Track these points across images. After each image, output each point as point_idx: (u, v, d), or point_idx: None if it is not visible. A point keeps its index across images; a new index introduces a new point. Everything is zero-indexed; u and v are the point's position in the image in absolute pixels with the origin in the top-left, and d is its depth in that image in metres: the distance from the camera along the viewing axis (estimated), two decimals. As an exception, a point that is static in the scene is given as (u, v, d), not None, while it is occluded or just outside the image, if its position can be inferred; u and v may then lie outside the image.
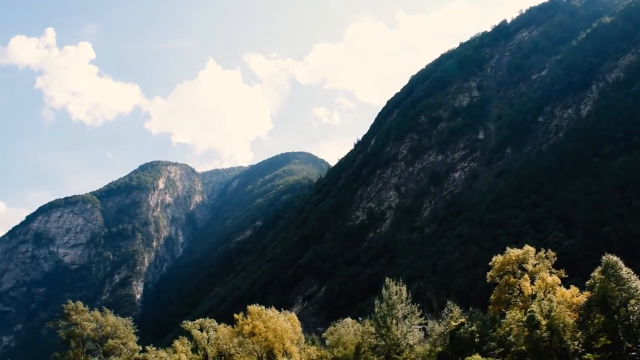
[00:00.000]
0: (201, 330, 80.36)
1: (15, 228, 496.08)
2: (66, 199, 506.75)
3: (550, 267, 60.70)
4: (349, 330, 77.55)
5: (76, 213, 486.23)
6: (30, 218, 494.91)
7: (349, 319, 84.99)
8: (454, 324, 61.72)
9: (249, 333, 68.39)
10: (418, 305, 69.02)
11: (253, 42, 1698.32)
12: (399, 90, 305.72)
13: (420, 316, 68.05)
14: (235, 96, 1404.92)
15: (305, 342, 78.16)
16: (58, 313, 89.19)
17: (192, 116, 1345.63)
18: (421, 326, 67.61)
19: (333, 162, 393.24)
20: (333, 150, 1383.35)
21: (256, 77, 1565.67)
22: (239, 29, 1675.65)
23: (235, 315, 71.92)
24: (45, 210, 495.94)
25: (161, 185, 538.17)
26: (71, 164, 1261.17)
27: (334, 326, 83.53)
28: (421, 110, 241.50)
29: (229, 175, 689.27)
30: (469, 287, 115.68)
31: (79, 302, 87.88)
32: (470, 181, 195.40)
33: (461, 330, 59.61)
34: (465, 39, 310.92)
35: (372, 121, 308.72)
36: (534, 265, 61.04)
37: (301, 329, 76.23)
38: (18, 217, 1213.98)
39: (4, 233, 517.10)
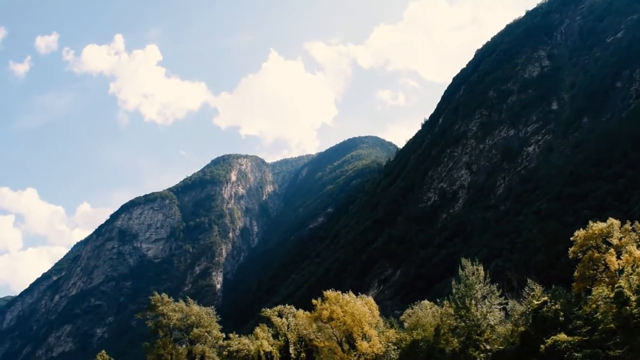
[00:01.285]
0: (280, 316, 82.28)
1: (101, 227, 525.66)
2: (145, 196, 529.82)
3: (638, 240, 57.69)
4: (427, 312, 77.01)
5: (155, 209, 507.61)
6: (114, 216, 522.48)
7: (426, 301, 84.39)
8: (536, 302, 59.85)
9: (327, 318, 69.31)
10: (497, 284, 67.43)
11: (312, 30, 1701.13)
12: (465, 66, 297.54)
13: (500, 296, 66.50)
14: (298, 85, 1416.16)
15: (383, 325, 78.38)
16: (145, 305, 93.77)
17: (258, 108, 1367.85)
18: (501, 306, 66.03)
19: (401, 144, 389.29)
20: (400, 132, 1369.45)
21: (318, 64, 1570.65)
22: (298, 18, 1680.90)
23: (313, 301, 72.97)
24: (127, 208, 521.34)
25: (233, 177, 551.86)
26: (148, 163, 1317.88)
27: (412, 309, 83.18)
28: (489, 85, 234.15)
29: (298, 164, 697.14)
30: (549, 265, 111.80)
31: (164, 293, 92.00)
32: (545, 154, 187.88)
33: (544, 309, 57.76)
34: (531, 6, 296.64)
35: (438, 100, 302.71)
36: (620, 239, 58.15)
37: (379, 313, 76.45)
38: (103, 216, 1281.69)
39: (91, 232, 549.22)
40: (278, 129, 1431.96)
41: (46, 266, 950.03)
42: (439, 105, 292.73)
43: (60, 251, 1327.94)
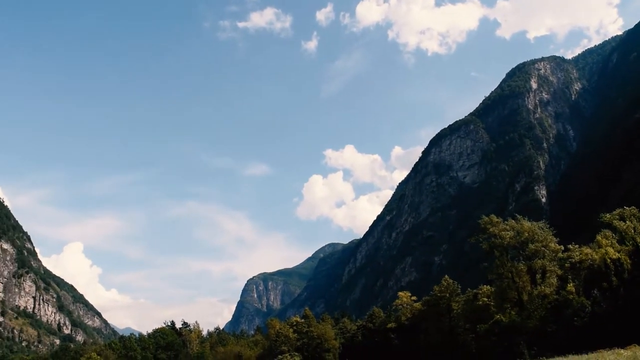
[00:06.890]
0: (623, 220, 75.42)
1: (416, 164, 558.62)
2: (450, 126, 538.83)
3: None
4: None
5: (462, 137, 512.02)
6: (426, 152, 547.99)
7: None
8: None
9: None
10: None
11: None
12: None
13: None
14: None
15: None
16: (475, 229, 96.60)
17: (541, 4, 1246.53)
18: None
19: None
20: None
21: None
22: None
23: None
24: (435, 142, 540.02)
25: (534, 85, 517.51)
26: (443, 94, 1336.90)
27: None
28: None
29: (604, 51, 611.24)
30: None
31: (492, 215, 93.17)
32: None
33: None
34: None
35: None
36: None
37: None
38: (415, 154, 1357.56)
39: (408, 171, 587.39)
40: (569, 20, 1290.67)
41: (378, 209, 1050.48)
42: None
43: (387, 194, 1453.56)
